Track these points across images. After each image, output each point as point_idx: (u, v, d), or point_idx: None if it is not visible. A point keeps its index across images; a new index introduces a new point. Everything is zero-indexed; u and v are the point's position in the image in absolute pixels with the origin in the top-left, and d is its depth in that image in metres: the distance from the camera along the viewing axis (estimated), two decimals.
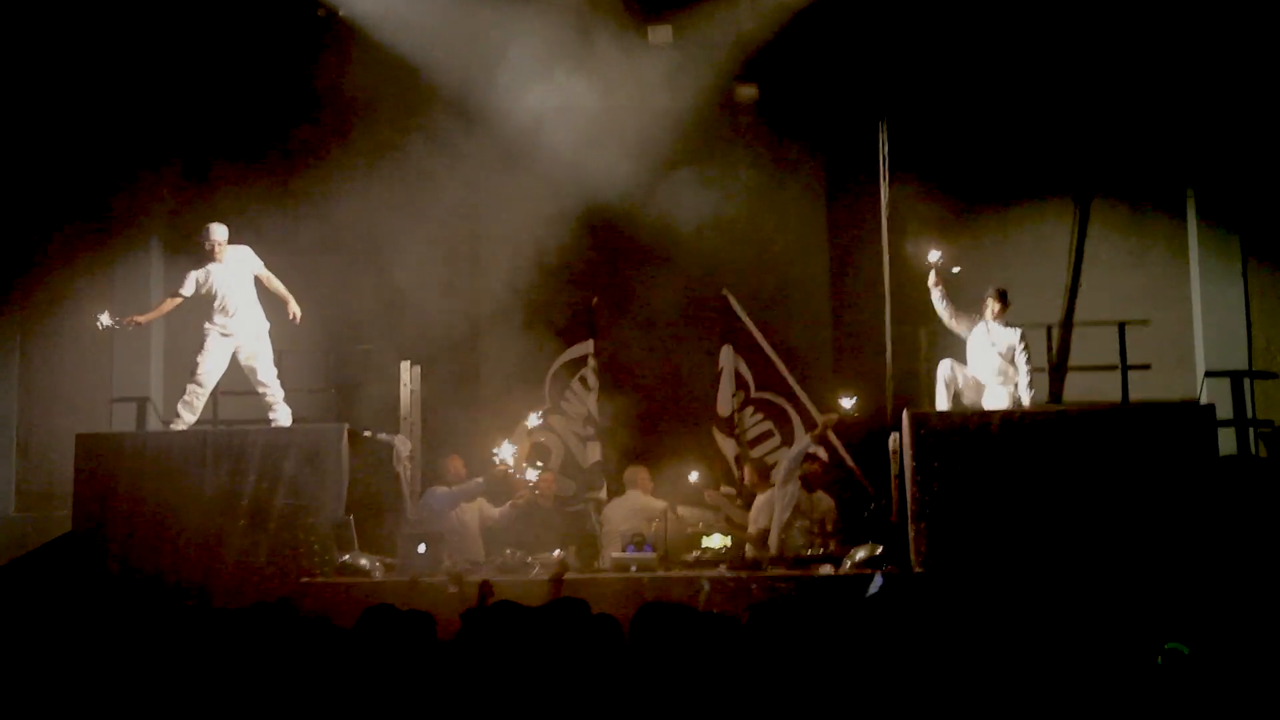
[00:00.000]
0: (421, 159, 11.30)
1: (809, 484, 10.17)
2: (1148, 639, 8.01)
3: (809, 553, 9.61)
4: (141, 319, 10.38)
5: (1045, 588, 8.99)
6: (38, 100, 11.72)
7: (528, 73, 10.84)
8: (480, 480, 10.43)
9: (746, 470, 11.01)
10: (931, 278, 9.99)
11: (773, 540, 9.99)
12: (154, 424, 11.31)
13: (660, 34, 10.88)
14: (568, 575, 8.88)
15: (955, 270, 9.99)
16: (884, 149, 10.59)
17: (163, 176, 12.02)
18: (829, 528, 10.09)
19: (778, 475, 10.32)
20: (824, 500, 10.26)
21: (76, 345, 11.73)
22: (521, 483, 10.41)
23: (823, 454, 10.65)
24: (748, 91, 11.50)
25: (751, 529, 10.38)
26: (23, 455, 11.68)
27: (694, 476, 10.52)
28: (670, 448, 11.14)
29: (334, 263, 11.63)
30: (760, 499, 10.52)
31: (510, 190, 11.41)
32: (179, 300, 10.24)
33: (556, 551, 9.52)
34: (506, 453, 10.37)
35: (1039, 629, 8.69)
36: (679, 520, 10.10)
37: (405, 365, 11.04)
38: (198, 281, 10.22)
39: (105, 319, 10.09)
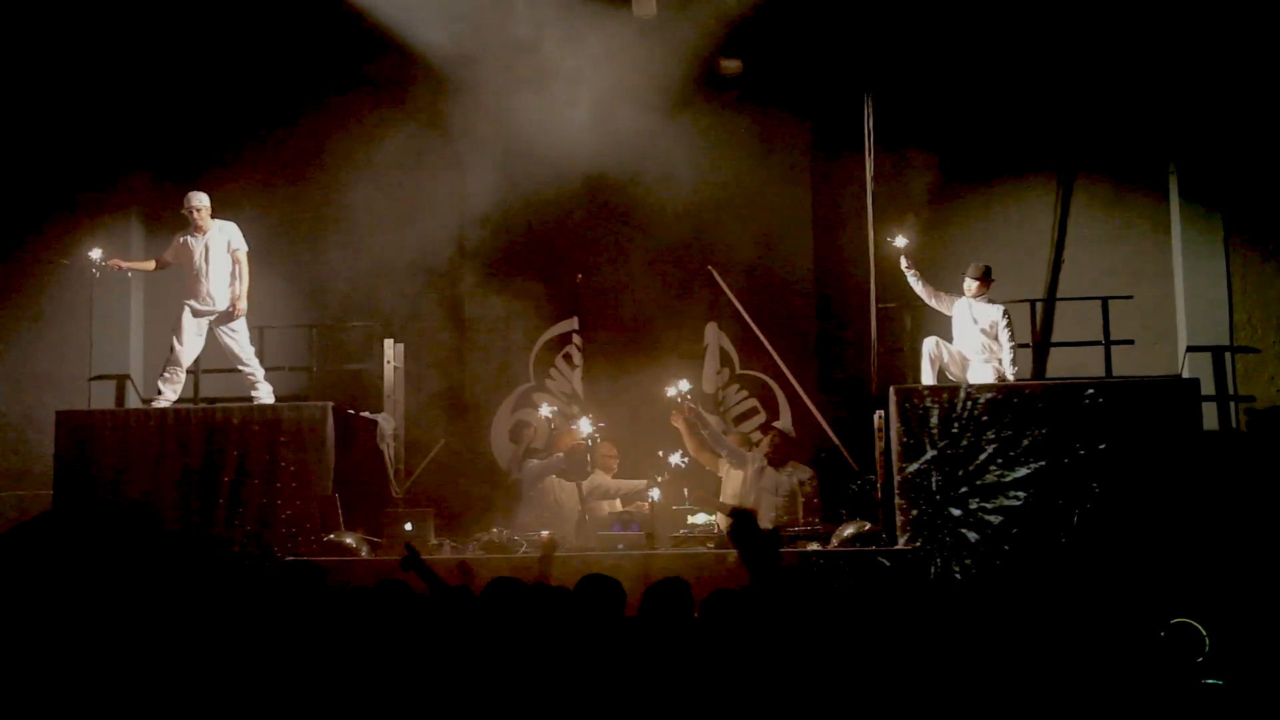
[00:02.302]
0: (403, 133, 11.22)
1: (771, 461, 10.17)
2: (1134, 614, 8.12)
3: (784, 530, 9.57)
4: (124, 264, 10.50)
5: (1030, 563, 9.06)
6: (17, 86, 11.58)
7: (512, 45, 10.76)
8: (560, 455, 10.40)
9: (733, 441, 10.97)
10: (903, 261, 10.04)
11: None
12: (134, 401, 11.25)
13: (644, 6, 10.79)
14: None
15: (901, 242, 9.99)
16: (869, 124, 10.53)
17: (142, 159, 11.87)
18: (801, 501, 10.06)
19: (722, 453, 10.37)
20: (795, 475, 10.21)
21: (55, 323, 11.65)
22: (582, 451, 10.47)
23: (790, 430, 10.66)
24: (732, 65, 11.42)
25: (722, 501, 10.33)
26: (2, 434, 11.58)
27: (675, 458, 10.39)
28: (655, 426, 11.07)
29: (315, 239, 11.62)
30: (725, 473, 10.48)
31: (492, 165, 11.36)
32: (158, 260, 10.42)
33: (544, 531, 9.45)
34: (585, 428, 10.34)
35: (1025, 603, 8.77)
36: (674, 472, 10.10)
37: (389, 343, 10.98)
38: (176, 245, 10.22)
39: (96, 255, 10.27)
